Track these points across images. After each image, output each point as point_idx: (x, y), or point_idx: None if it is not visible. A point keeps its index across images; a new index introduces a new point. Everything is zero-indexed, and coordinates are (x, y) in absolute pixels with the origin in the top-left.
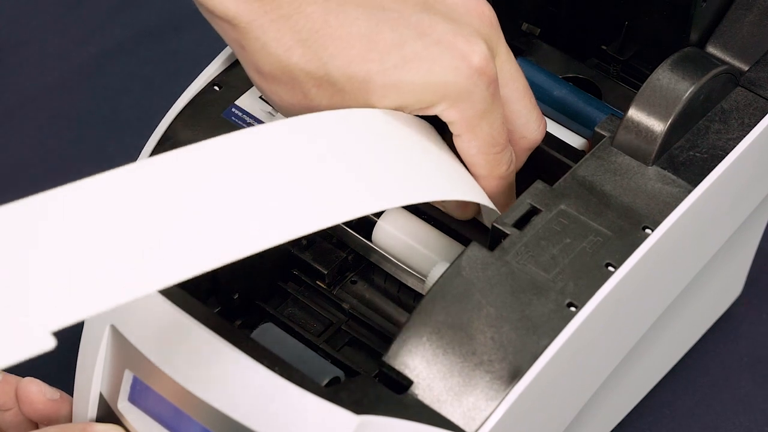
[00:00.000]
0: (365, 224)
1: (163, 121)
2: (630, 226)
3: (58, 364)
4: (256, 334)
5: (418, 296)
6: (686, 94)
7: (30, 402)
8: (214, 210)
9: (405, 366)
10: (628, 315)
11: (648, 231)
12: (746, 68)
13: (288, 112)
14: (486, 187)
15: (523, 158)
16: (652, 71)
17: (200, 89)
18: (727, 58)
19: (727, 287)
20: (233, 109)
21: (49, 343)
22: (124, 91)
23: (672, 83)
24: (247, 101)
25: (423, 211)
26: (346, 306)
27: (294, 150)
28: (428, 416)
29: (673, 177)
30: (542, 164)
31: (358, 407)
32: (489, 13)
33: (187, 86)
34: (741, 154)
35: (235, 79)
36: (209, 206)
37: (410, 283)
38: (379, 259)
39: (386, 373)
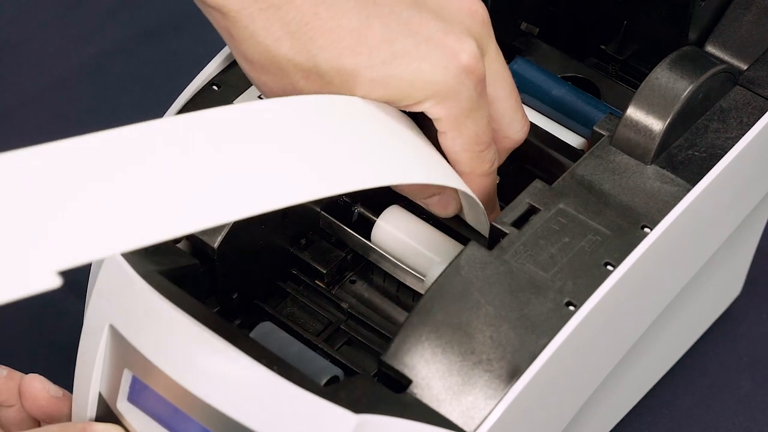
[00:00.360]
0: (364, 223)
1: None
2: (629, 225)
3: (58, 364)
4: (254, 333)
5: (416, 295)
6: (685, 93)
7: (33, 398)
8: (199, 175)
9: (404, 365)
10: (627, 314)
11: (647, 230)
12: (745, 67)
13: None
14: (468, 184)
15: (504, 157)
16: (650, 70)
17: (199, 89)
18: (726, 57)
19: (726, 286)
20: None
21: (55, 281)
22: (124, 91)
23: (671, 82)
24: (246, 100)
25: (422, 211)
26: (344, 305)
27: (269, 127)
28: (427, 415)
29: (672, 176)
30: (540, 163)
31: (357, 406)
32: (481, 11)
33: (187, 86)
34: (740, 153)
35: (234, 78)
36: (195, 170)
37: (409, 282)
38: (378, 259)
39: (385, 373)
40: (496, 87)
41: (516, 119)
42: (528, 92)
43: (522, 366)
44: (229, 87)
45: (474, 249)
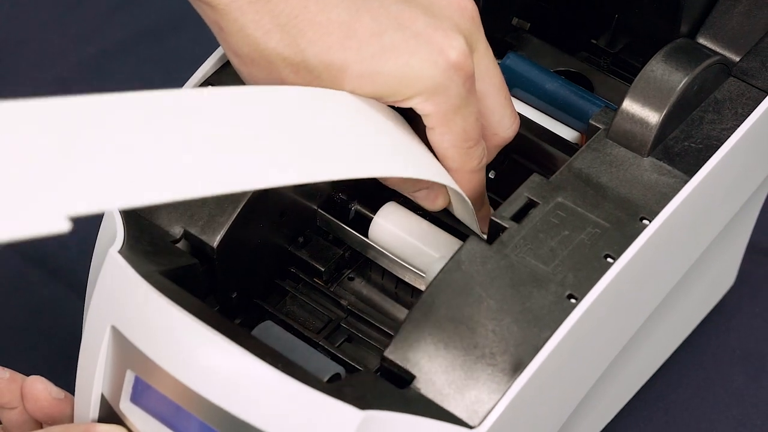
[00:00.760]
0: (362, 221)
1: None
2: (627, 218)
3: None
4: (255, 332)
5: (415, 292)
6: (680, 85)
7: (35, 400)
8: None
9: (407, 361)
10: (627, 306)
11: (645, 222)
12: (738, 59)
13: None
14: (457, 180)
15: (493, 154)
16: (642, 64)
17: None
18: (718, 49)
19: (720, 277)
20: None
21: (64, 225)
22: (124, 90)
23: (666, 74)
24: None
25: (418, 207)
26: (344, 302)
27: (252, 112)
28: (431, 410)
29: (669, 168)
30: (536, 158)
31: (362, 402)
32: (470, 7)
33: (184, 85)
34: (735, 143)
35: (229, 77)
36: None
37: (408, 278)
38: (377, 256)
39: (388, 368)
40: (486, 83)
41: (505, 116)
42: (521, 87)
43: (525, 359)
44: (223, 86)
45: (474, 244)
